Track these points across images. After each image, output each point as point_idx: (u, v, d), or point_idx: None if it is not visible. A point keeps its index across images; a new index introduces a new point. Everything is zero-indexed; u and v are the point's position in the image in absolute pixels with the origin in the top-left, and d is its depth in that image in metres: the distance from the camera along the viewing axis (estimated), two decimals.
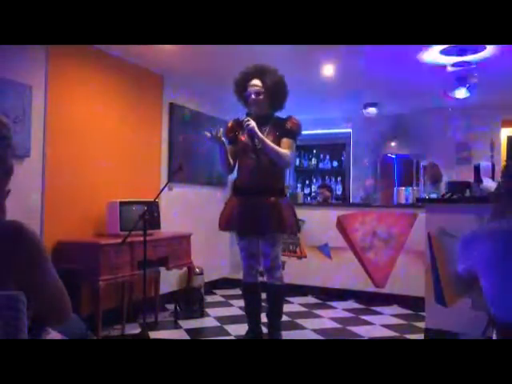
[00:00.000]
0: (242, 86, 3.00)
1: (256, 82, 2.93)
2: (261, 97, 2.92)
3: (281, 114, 3.09)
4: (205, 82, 4.82)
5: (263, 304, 3.15)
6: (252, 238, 3.01)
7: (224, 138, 2.96)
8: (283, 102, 3.02)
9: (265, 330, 3.11)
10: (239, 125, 2.99)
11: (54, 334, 1.24)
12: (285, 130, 2.94)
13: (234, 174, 3.17)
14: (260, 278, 3.18)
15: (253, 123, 2.84)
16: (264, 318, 3.12)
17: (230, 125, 3.12)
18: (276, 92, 2.93)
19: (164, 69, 4.44)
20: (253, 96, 2.92)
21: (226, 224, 3.06)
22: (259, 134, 2.84)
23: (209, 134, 2.87)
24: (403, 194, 5.24)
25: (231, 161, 3.04)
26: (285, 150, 2.89)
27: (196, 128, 5.02)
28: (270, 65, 2.99)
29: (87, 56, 3.66)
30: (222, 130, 2.91)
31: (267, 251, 2.99)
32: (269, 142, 2.85)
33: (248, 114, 2.92)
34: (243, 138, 2.97)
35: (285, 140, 2.92)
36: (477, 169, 3.49)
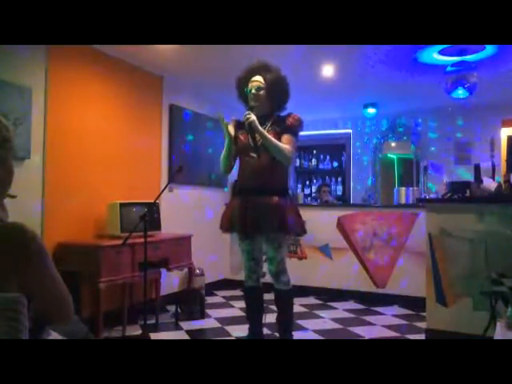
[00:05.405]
0: (244, 82, 2.99)
1: (258, 77, 2.93)
2: (261, 92, 2.91)
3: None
4: (205, 82, 4.82)
5: (271, 306, 3.13)
6: (255, 240, 2.96)
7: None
8: (284, 101, 2.99)
9: (267, 331, 3.09)
10: (239, 125, 2.97)
11: (54, 335, 1.24)
12: (285, 126, 2.92)
13: (234, 175, 3.14)
14: (262, 280, 3.15)
15: (253, 117, 2.80)
16: (266, 319, 3.10)
17: (229, 125, 3.10)
18: (276, 90, 2.92)
19: (164, 70, 4.44)
20: (253, 91, 2.91)
21: (227, 225, 3.00)
22: (259, 127, 2.81)
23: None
24: (403, 194, 5.24)
25: (231, 159, 3.01)
26: (285, 145, 2.88)
27: (196, 129, 5.03)
28: (273, 63, 2.98)
29: (87, 57, 3.66)
30: (221, 115, 2.91)
31: (272, 255, 2.92)
32: (269, 136, 2.83)
33: (250, 110, 2.91)
34: (243, 137, 2.96)
35: (285, 136, 2.89)
36: (477, 169, 3.48)
